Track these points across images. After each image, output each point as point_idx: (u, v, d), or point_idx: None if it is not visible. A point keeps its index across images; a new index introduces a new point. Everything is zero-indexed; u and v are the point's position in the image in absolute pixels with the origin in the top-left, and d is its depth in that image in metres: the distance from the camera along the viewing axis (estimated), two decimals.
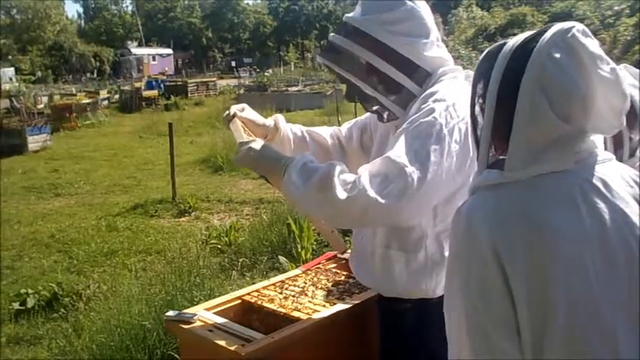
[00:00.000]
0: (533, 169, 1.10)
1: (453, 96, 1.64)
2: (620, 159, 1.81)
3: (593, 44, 1.10)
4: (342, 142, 2.07)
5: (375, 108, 1.81)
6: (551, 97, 1.07)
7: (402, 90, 1.71)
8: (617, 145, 1.81)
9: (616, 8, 22.76)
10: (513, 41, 1.15)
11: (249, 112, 1.97)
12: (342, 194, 1.51)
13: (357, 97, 1.83)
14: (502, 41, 1.19)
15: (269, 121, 2.00)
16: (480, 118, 1.18)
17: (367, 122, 2.03)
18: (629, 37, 18.34)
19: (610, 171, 1.15)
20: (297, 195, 1.58)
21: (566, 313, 1.03)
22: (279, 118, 2.03)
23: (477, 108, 1.19)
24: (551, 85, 1.07)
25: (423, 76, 1.72)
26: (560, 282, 1.04)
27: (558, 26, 1.11)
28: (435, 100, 1.63)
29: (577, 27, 1.11)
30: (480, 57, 1.22)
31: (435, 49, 1.74)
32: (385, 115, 1.80)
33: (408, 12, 1.69)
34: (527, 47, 1.11)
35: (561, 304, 1.03)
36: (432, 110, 1.60)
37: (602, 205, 1.09)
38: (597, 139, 1.17)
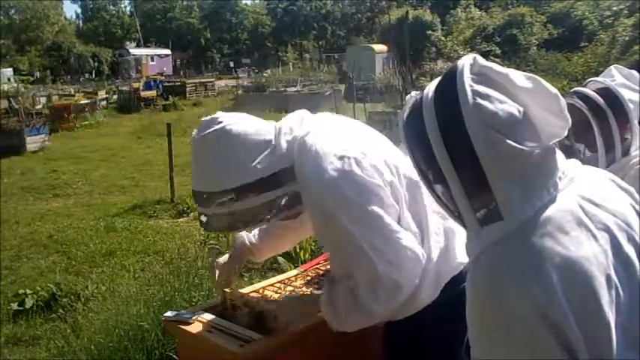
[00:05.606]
0: (531, 205, 1.05)
1: (337, 161, 1.59)
2: (613, 159, 1.89)
3: (495, 65, 1.10)
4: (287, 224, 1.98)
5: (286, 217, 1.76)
6: (502, 129, 1.04)
7: (289, 197, 1.66)
8: (608, 147, 1.87)
9: (614, 8, 22.75)
10: (428, 102, 1.10)
11: (229, 280, 2.08)
12: (346, 318, 1.67)
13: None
14: (411, 108, 1.15)
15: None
16: (438, 185, 1.12)
17: None
18: (627, 38, 18.33)
19: (590, 177, 1.16)
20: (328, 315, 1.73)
21: (615, 334, 1.01)
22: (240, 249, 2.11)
23: (429, 174, 1.13)
24: (493, 118, 1.04)
25: (289, 172, 1.65)
26: (604, 306, 1.00)
27: (462, 64, 1.09)
28: (337, 178, 1.57)
29: (475, 57, 1.10)
30: (400, 124, 1.18)
31: (279, 145, 1.67)
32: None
33: (224, 136, 1.68)
34: (447, 98, 1.08)
35: (611, 327, 1.00)
36: (348, 195, 1.56)
37: (601, 214, 1.08)
38: (559, 152, 1.14)
